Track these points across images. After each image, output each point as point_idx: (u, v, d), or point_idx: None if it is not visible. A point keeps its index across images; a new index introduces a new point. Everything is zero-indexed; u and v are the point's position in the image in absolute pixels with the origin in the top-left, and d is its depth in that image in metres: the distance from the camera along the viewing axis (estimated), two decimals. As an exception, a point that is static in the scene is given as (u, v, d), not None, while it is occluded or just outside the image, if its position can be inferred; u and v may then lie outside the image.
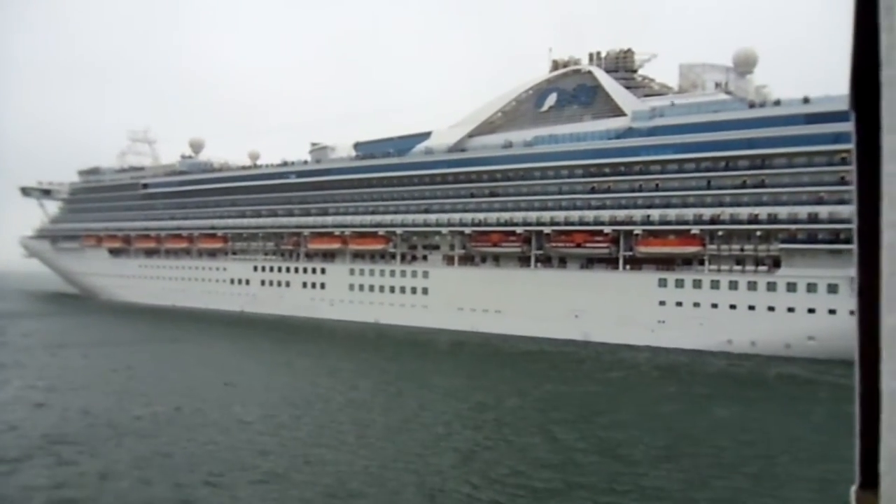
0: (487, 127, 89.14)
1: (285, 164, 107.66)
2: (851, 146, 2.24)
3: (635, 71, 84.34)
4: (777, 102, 69.26)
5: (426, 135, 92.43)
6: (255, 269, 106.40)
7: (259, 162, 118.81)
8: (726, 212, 69.21)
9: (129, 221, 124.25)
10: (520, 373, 57.47)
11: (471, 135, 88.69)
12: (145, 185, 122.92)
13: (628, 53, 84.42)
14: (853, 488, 2.23)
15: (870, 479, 2.08)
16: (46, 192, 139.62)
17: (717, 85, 75.27)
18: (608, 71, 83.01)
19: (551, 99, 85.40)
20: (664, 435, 35.37)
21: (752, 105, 69.80)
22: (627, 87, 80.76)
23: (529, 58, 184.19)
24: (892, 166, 1.78)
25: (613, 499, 25.75)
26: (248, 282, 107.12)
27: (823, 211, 64.67)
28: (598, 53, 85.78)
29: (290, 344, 74.43)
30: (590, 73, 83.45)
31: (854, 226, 2.16)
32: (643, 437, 34.57)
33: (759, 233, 67.62)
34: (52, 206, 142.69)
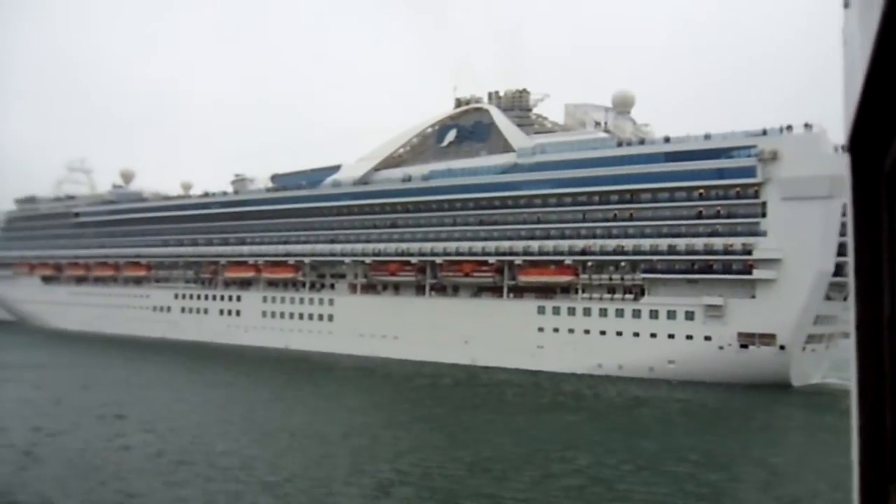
0: (393, 161, 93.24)
1: (206, 195, 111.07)
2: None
3: (530, 110, 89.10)
4: (641, 142, 74.15)
5: (337, 168, 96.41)
6: (176, 296, 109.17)
7: (192, 191, 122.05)
8: (597, 243, 73.48)
9: (61, 249, 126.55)
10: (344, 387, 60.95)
11: (377, 168, 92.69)
12: (77, 214, 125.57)
13: (523, 93, 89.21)
14: None
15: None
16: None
17: (597, 124, 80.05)
18: (505, 109, 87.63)
19: (451, 135, 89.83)
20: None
21: (619, 144, 74.47)
22: (521, 125, 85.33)
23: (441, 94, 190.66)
24: None
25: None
26: (169, 309, 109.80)
27: (681, 243, 69.06)
28: (497, 92, 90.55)
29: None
30: (487, 111, 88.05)
31: (850, 261, 2.19)
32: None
33: (623, 263, 71.92)
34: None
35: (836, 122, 66.68)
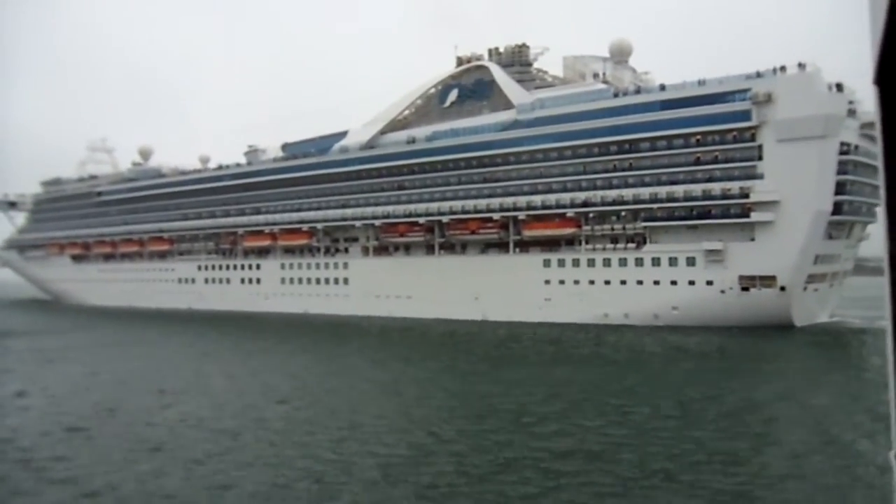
0: (398, 123, 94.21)
1: (220, 167, 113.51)
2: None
3: (530, 64, 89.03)
4: (637, 91, 74.18)
5: (344, 133, 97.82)
6: (200, 268, 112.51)
7: (209, 165, 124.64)
8: (598, 194, 74.27)
9: (87, 229, 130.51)
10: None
11: (383, 131, 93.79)
12: (99, 193, 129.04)
13: (523, 48, 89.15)
14: (892, 453, 2.30)
15: None
16: (12, 204, 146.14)
17: (595, 75, 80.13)
18: (505, 65, 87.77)
19: (453, 95, 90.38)
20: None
21: (616, 94, 74.61)
22: (522, 81, 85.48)
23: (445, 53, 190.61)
24: None
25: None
26: (193, 280, 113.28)
27: (679, 190, 69.57)
28: (497, 49, 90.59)
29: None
30: (487, 68, 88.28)
31: (881, 198, 2.10)
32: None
33: (623, 213, 72.72)
34: (20, 217, 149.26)
35: (833, 61, 66.35)
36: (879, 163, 2.20)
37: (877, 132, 2.21)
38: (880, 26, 2.02)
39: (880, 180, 2.18)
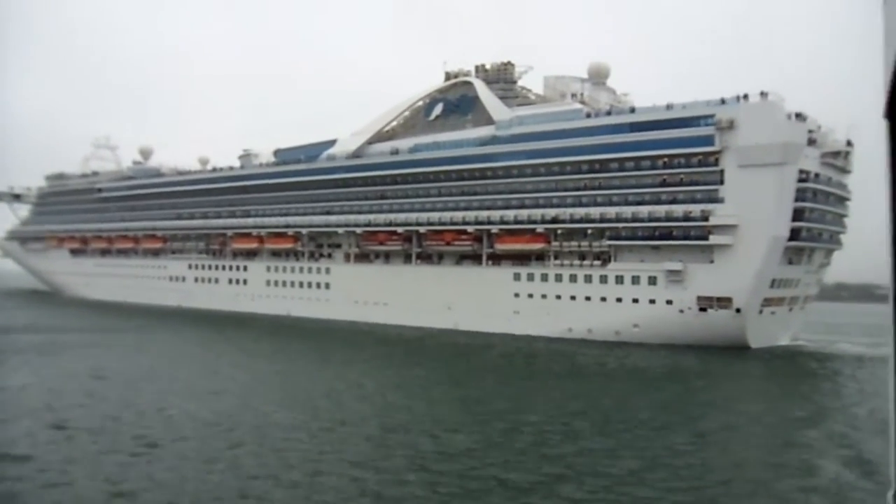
0: (385, 134, 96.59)
1: (215, 170, 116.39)
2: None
3: (514, 82, 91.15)
4: (608, 112, 76.19)
5: (333, 142, 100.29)
6: (190, 267, 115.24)
7: (208, 166, 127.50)
8: (567, 212, 76.18)
9: (86, 224, 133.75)
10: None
11: (370, 141, 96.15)
12: (100, 190, 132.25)
13: (508, 66, 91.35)
14: (890, 493, 2.29)
15: None
16: (17, 197, 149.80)
17: (573, 95, 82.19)
18: (490, 82, 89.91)
19: (438, 108, 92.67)
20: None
21: (588, 115, 76.60)
22: (505, 98, 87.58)
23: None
24: None
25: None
26: (184, 279, 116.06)
27: (644, 210, 71.40)
28: (483, 66, 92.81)
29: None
30: (472, 84, 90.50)
31: (888, 228, 2.11)
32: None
33: (590, 231, 74.61)
34: (24, 210, 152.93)
35: (798, 89, 68.05)
36: (886, 196, 2.32)
37: (886, 166, 2.34)
38: (892, 62, 2.11)
39: (887, 213, 2.29)
